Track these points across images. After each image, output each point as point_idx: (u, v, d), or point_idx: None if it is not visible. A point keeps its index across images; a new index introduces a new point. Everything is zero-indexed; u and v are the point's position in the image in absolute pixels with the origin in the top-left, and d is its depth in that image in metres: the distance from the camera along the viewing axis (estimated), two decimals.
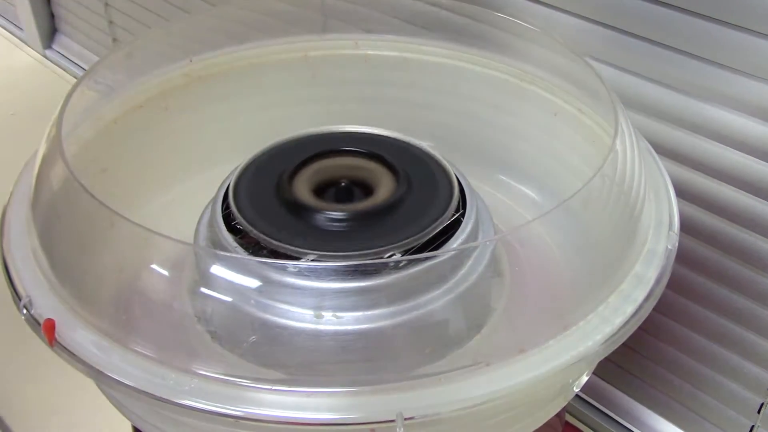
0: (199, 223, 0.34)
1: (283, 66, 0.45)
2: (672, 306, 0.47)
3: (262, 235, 0.32)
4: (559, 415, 0.42)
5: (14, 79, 1.07)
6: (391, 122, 0.39)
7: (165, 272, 0.30)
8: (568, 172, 0.39)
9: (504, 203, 0.41)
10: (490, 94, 0.42)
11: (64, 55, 1.10)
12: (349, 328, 0.30)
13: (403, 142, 0.37)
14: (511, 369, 0.26)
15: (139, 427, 0.33)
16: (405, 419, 0.25)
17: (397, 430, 0.25)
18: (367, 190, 0.35)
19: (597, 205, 0.32)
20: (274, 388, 0.26)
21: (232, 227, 0.33)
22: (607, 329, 0.28)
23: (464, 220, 0.33)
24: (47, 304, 0.29)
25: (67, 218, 0.33)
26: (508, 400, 0.26)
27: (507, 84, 0.42)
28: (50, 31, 1.12)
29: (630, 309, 0.29)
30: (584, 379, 0.35)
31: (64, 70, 1.08)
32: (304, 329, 0.30)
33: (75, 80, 1.06)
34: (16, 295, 0.30)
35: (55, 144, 0.33)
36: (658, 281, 0.30)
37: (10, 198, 0.34)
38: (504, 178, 0.42)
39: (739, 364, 0.46)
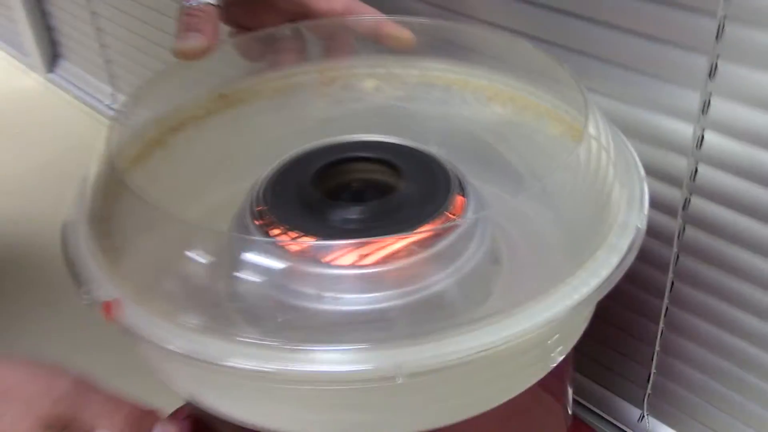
0: (231, 220, 0.41)
1: (302, 87, 0.51)
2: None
3: (285, 227, 0.38)
4: (562, 402, 0.48)
5: (18, 101, 1.13)
6: (400, 132, 0.45)
7: (203, 260, 0.36)
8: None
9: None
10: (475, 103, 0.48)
11: (65, 78, 1.15)
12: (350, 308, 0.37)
13: (409, 147, 0.44)
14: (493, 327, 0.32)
15: (187, 398, 0.39)
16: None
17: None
18: (379, 190, 0.42)
19: (573, 184, 0.38)
20: (303, 347, 0.32)
21: (258, 222, 0.39)
22: (577, 295, 0.34)
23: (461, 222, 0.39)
24: (106, 290, 0.35)
25: (119, 220, 0.39)
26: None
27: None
28: (52, 56, 1.17)
29: (604, 272, 0.35)
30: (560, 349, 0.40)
31: (66, 92, 1.13)
32: (318, 308, 0.36)
33: (75, 101, 1.12)
34: (79, 283, 0.36)
35: (108, 161, 0.40)
36: (629, 250, 0.36)
37: (68, 212, 0.40)
38: (498, 177, 0.48)
39: None
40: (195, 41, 0.43)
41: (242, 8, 0.49)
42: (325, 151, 0.44)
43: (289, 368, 0.32)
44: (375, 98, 0.51)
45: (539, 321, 0.33)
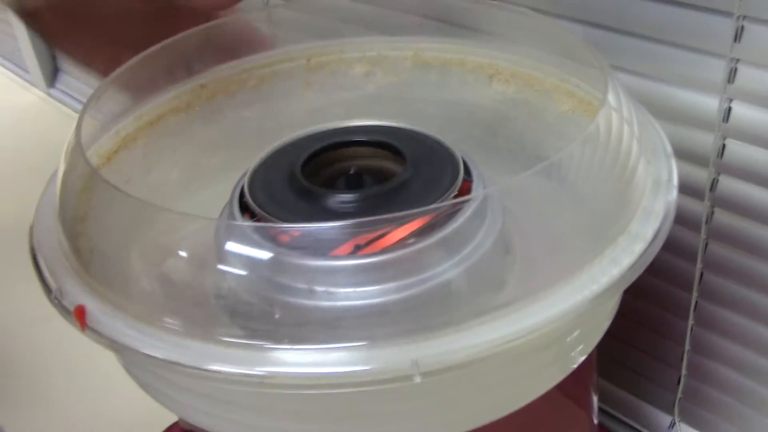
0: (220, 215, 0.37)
1: (285, 74, 0.48)
2: None
3: (273, 218, 0.35)
4: (586, 410, 0.44)
5: (20, 117, 1.12)
6: (394, 117, 0.42)
7: (185, 253, 0.33)
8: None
9: None
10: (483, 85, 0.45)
11: (66, 93, 1.13)
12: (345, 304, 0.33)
13: (410, 131, 0.40)
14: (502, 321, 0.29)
15: (179, 414, 0.35)
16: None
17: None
18: (376, 176, 0.38)
19: (592, 160, 0.34)
20: (294, 347, 0.28)
21: (246, 214, 0.35)
22: (594, 287, 0.30)
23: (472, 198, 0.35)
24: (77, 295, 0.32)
25: (94, 215, 0.36)
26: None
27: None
28: (53, 71, 1.16)
29: (627, 261, 0.31)
30: (581, 348, 0.36)
31: (67, 106, 1.12)
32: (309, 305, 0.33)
33: (77, 114, 1.10)
34: (48, 288, 0.32)
35: (77, 153, 0.36)
36: (656, 235, 0.32)
37: (35, 215, 0.37)
38: (505, 162, 0.44)
39: None
40: None
41: None
42: (317, 137, 0.40)
43: (283, 371, 0.28)
44: (366, 85, 0.48)
45: (555, 313, 0.30)
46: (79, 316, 0.30)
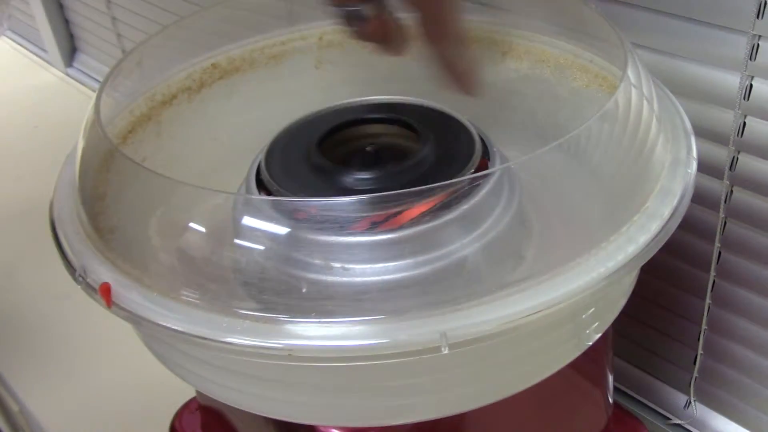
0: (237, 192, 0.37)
1: (298, 52, 0.47)
2: None
3: (290, 196, 0.35)
4: (601, 388, 0.44)
5: (38, 96, 1.12)
6: (407, 95, 0.41)
7: (203, 228, 0.33)
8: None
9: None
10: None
11: (84, 72, 1.14)
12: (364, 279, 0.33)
13: (426, 107, 0.40)
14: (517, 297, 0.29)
15: (201, 389, 0.36)
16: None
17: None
18: (393, 153, 0.38)
19: (611, 136, 0.34)
20: (319, 320, 0.28)
21: (263, 192, 0.36)
22: (611, 264, 0.30)
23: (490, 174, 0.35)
24: (101, 272, 0.32)
25: (113, 193, 0.36)
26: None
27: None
28: (70, 50, 1.16)
29: (643, 239, 0.31)
30: (596, 326, 0.36)
31: (84, 85, 1.12)
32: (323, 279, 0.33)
33: (93, 93, 1.10)
34: (71, 267, 0.33)
35: (96, 130, 0.36)
36: (674, 212, 0.32)
37: (54, 190, 0.37)
38: (520, 140, 0.44)
39: None
40: None
41: None
42: (332, 114, 0.40)
43: (306, 344, 0.28)
44: (379, 63, 0.47)
45: (574, 288, 0.30)
46: (105, 294, 0.31)
